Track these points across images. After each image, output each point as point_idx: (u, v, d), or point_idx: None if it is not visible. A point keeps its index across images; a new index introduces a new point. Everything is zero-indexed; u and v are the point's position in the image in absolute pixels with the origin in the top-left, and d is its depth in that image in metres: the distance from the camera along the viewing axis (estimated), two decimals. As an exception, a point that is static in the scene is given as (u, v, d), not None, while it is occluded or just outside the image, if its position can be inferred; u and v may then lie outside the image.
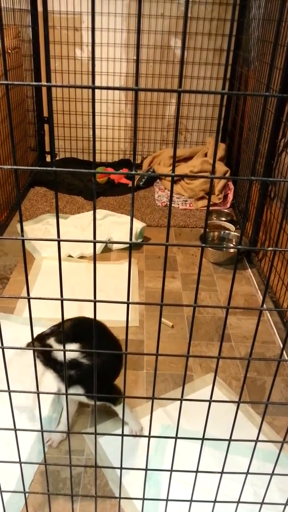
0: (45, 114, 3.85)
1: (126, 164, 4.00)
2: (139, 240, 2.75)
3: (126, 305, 0.70)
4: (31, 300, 0.72)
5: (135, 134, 0.58)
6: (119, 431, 1.53)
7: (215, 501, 0.99)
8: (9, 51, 2.82)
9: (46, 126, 3.89)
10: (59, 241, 0.66)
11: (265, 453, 1.50)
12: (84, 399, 1.44)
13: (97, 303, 0.72)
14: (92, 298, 0.71)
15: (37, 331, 1.35)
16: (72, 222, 2.93)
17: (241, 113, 3.39)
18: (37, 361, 1.36)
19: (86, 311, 1.98)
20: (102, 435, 1.31)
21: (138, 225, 2.76)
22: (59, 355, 1.33)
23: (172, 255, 2.72)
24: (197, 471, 0.90)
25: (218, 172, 3.40)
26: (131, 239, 0.66)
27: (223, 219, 3.15)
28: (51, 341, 1.36)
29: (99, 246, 2.70)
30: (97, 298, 0.71)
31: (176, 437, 0.85)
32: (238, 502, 1.01)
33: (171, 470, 0.89)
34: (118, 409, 1.50)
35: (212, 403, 0.81)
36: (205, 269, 2.59)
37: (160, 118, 3.92)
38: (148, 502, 1.33)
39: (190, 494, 1.08)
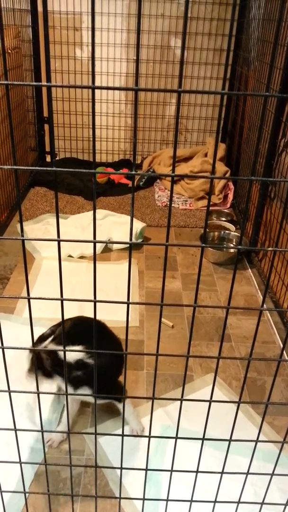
0: (45, 114, 3.85)
1: (126, 164, 4.00)
2: (139, 240, 2.75)
3: (126, 305, 0.70)
4: (31, 300, 0.72)
5: (135, 134, 0.58)
6: (119, 431, 1.53)
7: (215, 501, 0.99)
8: (9, 51, 2.82)
9: (46, 126, 3.89)
10: (59, 241, 0.66)
11: (265, 453, 1.50)
12: (90, 398, 1.45)
13: (97, 303, 0.72)
14: (92, 298, 0.71)
15: (37, 331, 1.35)
16: (72, 222, 2.93)
17: (241, 113, 3.39)
18: (39, 371, 1.36)
19: (86, 311, 1.98)
20: (102, 435, 1.31)
21: (138, 225, 2.76)
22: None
23: (172, 255, 2.72)
24: (197, 471, 0.90)
25: (218, 172, 3.40)
26: (131, 239, 0.66)
27: (223, 219, 3.15)
28: (53, 345, 1.36)
29: (99, 246, 2.70)
30: (97, 298, 0.71)
31: (176, 437, 0.85)
32: (238, 502, 1.01)
33: (172, 470, 0.89)
34: (122, 406, 1.50)
35: (212, 403, 0.81)
36: (205, 269, 2.59)
37: (160, 118, 3.92)
38: (148, 502, 1.33)
39: (190, 494, 1.08)
